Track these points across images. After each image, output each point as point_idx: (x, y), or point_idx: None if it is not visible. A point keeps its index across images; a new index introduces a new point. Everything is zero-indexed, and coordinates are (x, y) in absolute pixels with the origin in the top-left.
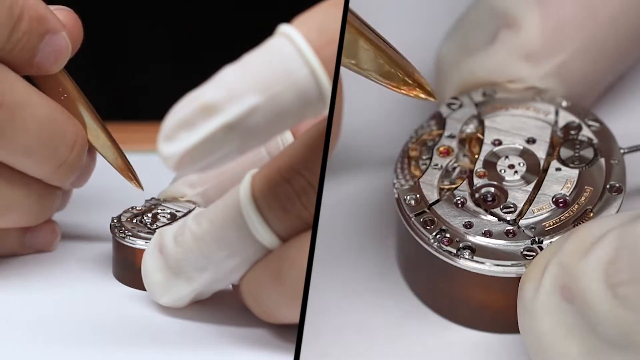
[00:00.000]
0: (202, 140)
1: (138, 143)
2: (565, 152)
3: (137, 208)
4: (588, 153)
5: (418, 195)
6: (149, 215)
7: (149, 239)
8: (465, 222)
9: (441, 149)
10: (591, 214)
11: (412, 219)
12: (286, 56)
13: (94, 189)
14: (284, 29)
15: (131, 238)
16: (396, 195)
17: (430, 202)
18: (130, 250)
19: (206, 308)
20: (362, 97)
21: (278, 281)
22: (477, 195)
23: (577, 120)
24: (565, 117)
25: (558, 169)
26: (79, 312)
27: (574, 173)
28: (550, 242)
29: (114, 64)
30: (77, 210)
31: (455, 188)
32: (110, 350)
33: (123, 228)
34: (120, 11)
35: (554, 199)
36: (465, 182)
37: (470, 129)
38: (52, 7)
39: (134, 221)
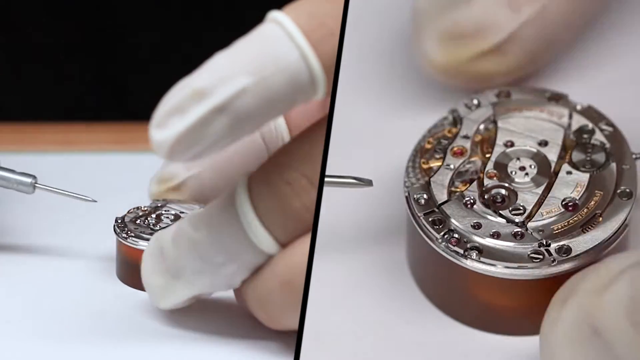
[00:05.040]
0: (192, 124)
1: (138, 143)
2: (577, 156)
3: (143, 208)
4: (600, 157)
5: (427, 195)
6: (153, 216)
7: None
8: (473, 223)
9: (455, 149)
10: (600, 219)
11: (421, 218)
12: (276, 40)
13: (97, 189)
14: (274, 14)
15: (134, 239)
16: (406, 194)
17: (439, 202)
18: (132, 251)
19: (205, 311)
20: (368, 97)
21: (289, 290)
22: (486, 196)
23: (590, 124)
24: (578, 121)
25: (569, 172)
26: (80, 312)
27: (585, 177)
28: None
29: (115, 64)
30: (79, 210)
31: (466, 189)
32: (110, 349)
33: (126, 229)
34: (121, 12)
35: (563, 202)
36: (476, 182)
37: (485, 130)
38: None
39: (138, 222)
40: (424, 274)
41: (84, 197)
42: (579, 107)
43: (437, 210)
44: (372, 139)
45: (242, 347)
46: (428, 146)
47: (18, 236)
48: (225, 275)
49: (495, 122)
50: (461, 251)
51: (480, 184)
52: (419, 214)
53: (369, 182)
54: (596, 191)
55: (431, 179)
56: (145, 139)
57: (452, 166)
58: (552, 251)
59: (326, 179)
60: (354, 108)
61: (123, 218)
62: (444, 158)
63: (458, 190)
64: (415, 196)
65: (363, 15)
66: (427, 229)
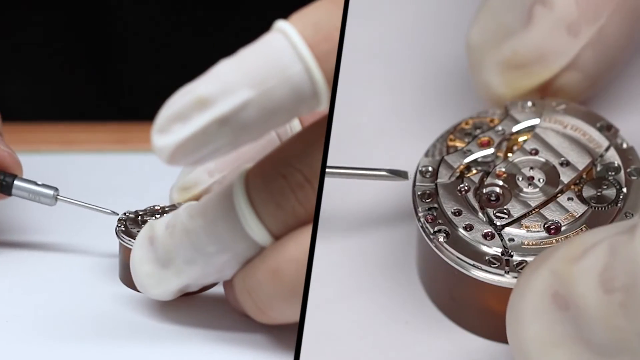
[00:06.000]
0: (195, 133)
1: (138, 143)
2: (588, 188)
3: (140, 212)
4: (608, 196)
5: (433, 169)
6: (153, 219)
7: None
8: (455, 209)
9: (483, 139)
10: None
11: (416, 187)
12: (281, 51)
13: (97, 189)
14: (280, 24)
15: (133, 241)
16: (418, 162)
17: (439, 178)
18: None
19: (205, 314)
20: (382, 100)
21: (276, 277)
22: (484, 190)
23: (619, 164)
24: (612, 157)
25: (570, 199)
26: (79, 311)
27: (582, 209)
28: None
29: (115, 64)
30: (79, 209)
31: (469, 177)
32: (110, 349)
33: (127, 232)
34: (121, 12)
35: (546, 224)
36: (480, 174)
37: (523, 131)
38: None
39: (141, 225)
40: (426, 274)
41: (105, 210)
42: (621, 144)
43: (432, 185)
44: (372, 139)
45: (241, 351)
46: (465, 126)
47: (17, 234)
48: (216, 265)
49: (535, 128)
50: (431, 230)
51: (484, 177)
52: (416, 184)
53: (404, 175)
54: (584, 226)
55: (445, 157)
56: (145, 139)
57: (470, 152)
58: (511, 263)
59: (360, 172)
60: (355, 106)
61: (125, 221)
62: (469, 142)
63: (464, 175)
64: (422, 167)
65: (364, 14)
66: (416, 200)
